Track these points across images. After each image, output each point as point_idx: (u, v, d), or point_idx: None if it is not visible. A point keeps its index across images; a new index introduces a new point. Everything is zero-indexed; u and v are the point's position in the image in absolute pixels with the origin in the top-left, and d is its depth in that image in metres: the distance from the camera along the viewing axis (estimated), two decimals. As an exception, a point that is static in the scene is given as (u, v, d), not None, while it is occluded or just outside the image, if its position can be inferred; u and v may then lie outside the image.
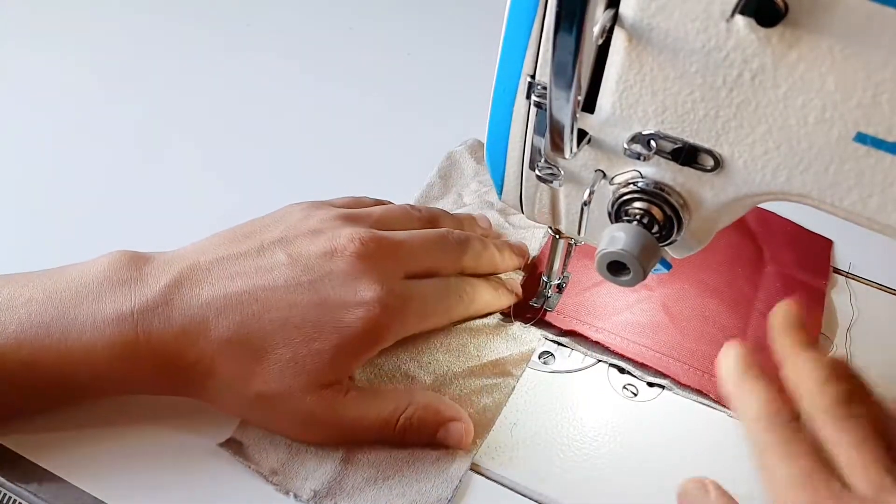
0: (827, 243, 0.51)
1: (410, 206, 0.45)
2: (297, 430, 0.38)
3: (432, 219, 0.45)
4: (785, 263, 0.50)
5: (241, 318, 0.36)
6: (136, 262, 0.37)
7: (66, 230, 0.49)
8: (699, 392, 0.42)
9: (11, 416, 0.37)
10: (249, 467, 0.37)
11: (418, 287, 0.40)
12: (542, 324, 0.45)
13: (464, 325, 0.44)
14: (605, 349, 0.44)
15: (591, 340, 0.44)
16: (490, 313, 0.45)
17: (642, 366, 0.43)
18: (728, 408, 0.41)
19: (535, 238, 0.50)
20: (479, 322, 0.44)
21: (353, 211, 0.42)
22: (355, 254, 0.38)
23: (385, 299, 0.38)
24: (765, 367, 0.32)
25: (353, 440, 0.38)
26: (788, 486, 0.28)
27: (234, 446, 0.38)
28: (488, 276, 0.46)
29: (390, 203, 0.46)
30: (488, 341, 0.43)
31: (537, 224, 0.50)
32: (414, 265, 0.41)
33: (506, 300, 0.45)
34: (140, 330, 0.35)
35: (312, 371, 0.36)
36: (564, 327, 0.44)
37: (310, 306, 0.36)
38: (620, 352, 0.43)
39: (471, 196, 0.53)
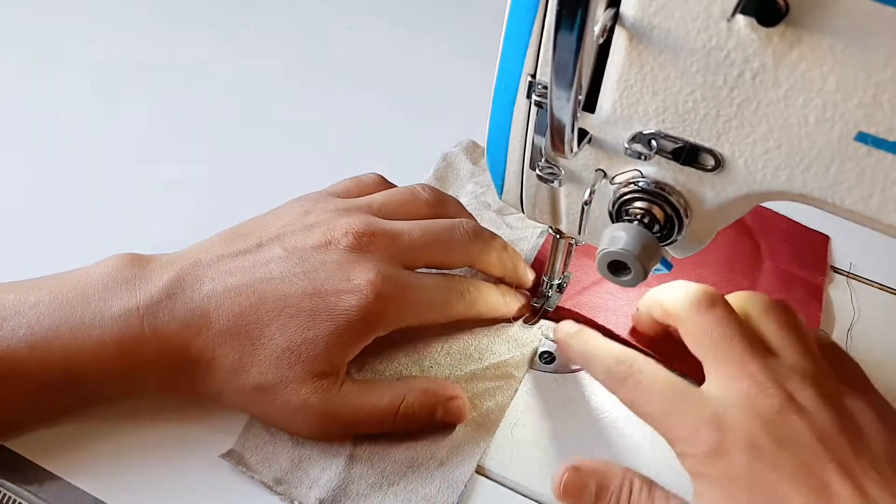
0: (824, 239, 0.52)
1: (420, 186, 0.44)
2: (295, 423, 0.37)
3: (440, 203, 0.44)
4: (782, 259, 0.50)
5: (239, 310, 0.37)
6: (139, 262, 0.38)
7: (66, 234, 0.49)
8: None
9: (24, 425, 0.37)
10: (253, 477, 0.37)
11: (416, 278, 0.40)
12: (548, 318, 0.45)
13: (464, 327, 0.43)
14: (614, 337, 0.44)
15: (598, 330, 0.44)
16: (497, 319, 0.44)
17: (651, 349, 0.43)
18: None
19: (531, 238, 0.50)
20: None
21: (352, 201, 0.42)
22: (349, 247, 0.38)
23: (378, 286, 0.37)
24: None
25: (353, 431, 0.38)
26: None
27: (235, 457, 0.37)
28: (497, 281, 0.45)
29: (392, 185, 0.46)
30: (489, 344, 0.43)
31: (534, 225, 0.51)
32: (414, 257, 0.40)
33: (514, 306, 0.44)
34: (146, 324, 0.36)
35: (308, 360, 0.36)
36: (571, 316, 0.45)
37: (304, 296, 0.37)
38: (629, 336, 0.44)
39: (467, 197, 0.52)
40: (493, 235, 0.44)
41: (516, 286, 0.45)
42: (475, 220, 0.44)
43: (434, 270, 0.43)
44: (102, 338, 0.35)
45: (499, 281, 0.45)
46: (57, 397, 0.36)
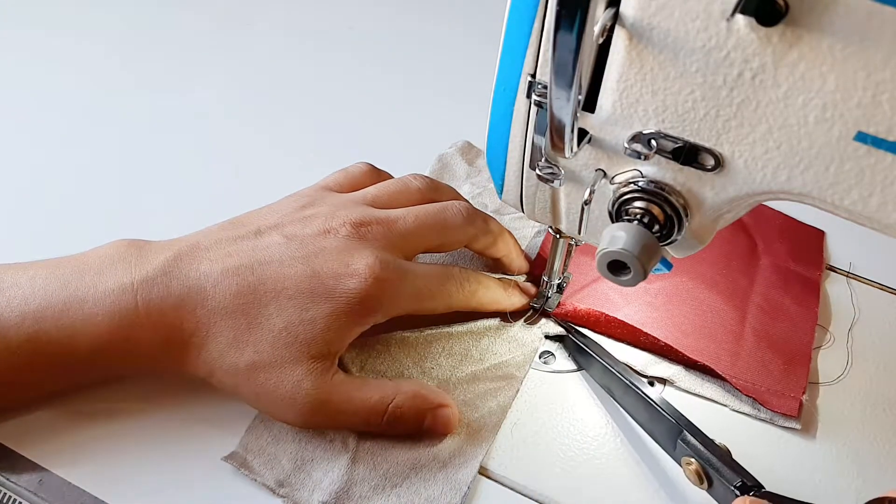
0: (819, 234, 0.52)
1: (412, 176, 0.45)
2: (283, 407, 0.37)
3: (432, 190, 0.44)
4: (779, 255, 0.50)
5: (236, 289, 0.37)
6: (137, 245, 0.39)
7: (63, 227, 0.49)
8: (707, 369, 0.42)
9: (16, 399, 0.37)
10: (255, 480, 0.37)
11: (415, 266, 0.40)
12: (549, 317, 0.45)
13: (465, 328, 0.43)
14: (613, 336, 0.44)
15: (600, 330, 0.44)
16: (498, 312, 0.44)
17: (654, 345, 0.43)
18: (730, 383, 0.42)
19: (524, 239, 0.50)
20: (480, 325, 0.44)
21: (347, 195, 0.43)
22: (347, 235, 0.39)
23: (377, 270, 0.38)
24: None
25: (339, 425, 0.38)
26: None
27: (237, 459, 0.37)
28: (499, 275, 0.45)
29: (385, 174, 0.46)
30: (490, 345, 0.43)
31: (531, 225, 0.51)
32: (411, 242, 0.41)
33: (517, 300, 0.44)
34: (140, 299, 0.36)
35: (304, 341, 0.36)
36: (571, 313, 0.45)
37: (303, 278, 0.37)
38: (637, 331, 0.44)
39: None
40: (489, 218, 0.44)
41: (514, 274, 0.46)
42: (469, 203, 0.44)
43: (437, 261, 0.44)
44: (94, 311, 0.35)
45: (497, 269, 0.45)
46: (48, 372, 0.36)
